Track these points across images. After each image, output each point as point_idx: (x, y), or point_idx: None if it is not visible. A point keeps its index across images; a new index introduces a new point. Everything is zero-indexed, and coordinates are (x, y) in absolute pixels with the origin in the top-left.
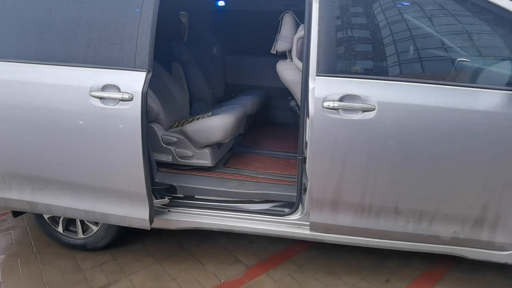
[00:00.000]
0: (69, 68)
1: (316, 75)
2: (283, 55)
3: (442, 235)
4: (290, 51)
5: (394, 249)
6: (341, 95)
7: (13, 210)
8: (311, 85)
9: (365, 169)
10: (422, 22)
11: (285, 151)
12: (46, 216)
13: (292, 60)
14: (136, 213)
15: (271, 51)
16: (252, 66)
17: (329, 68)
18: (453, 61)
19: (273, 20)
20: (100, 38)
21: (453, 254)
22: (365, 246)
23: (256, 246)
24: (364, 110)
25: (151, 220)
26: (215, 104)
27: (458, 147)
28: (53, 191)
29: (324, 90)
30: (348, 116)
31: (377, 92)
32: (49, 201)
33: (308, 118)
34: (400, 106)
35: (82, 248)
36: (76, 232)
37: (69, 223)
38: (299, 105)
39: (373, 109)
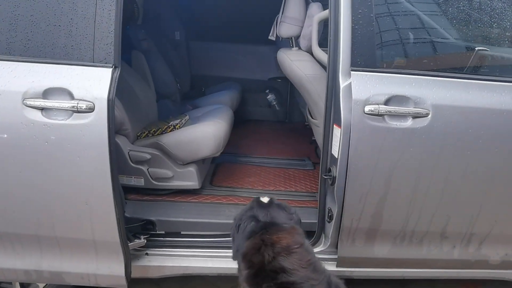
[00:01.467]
0: None
1: (352, 70)
2: (270, 42)
3: (491, 258)
4: (298, 37)
5: (434, 278)
6: (387, 96)
7: None
8: (343, 82)
9: (413, 189)
10: None
11: (277, 158)
12: None
13: (300, 48)
14: (105, 268)
15: (269, 37)
16: (222, 55)
17: (369, 61)
18: None
19: None
20: (34, 16)
21: (502, 279)
22: (401, 278)
23: None
24: (415, 116)
25: (128, 276)
26: (183, 101)
27: None
28: None
29: (363, 90)
30: (396, 124)
31: (432, 92)
32: None
33: (340, 126)
34: (461, 111)
35: None
36: None
37: None
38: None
39: (427, 115)
